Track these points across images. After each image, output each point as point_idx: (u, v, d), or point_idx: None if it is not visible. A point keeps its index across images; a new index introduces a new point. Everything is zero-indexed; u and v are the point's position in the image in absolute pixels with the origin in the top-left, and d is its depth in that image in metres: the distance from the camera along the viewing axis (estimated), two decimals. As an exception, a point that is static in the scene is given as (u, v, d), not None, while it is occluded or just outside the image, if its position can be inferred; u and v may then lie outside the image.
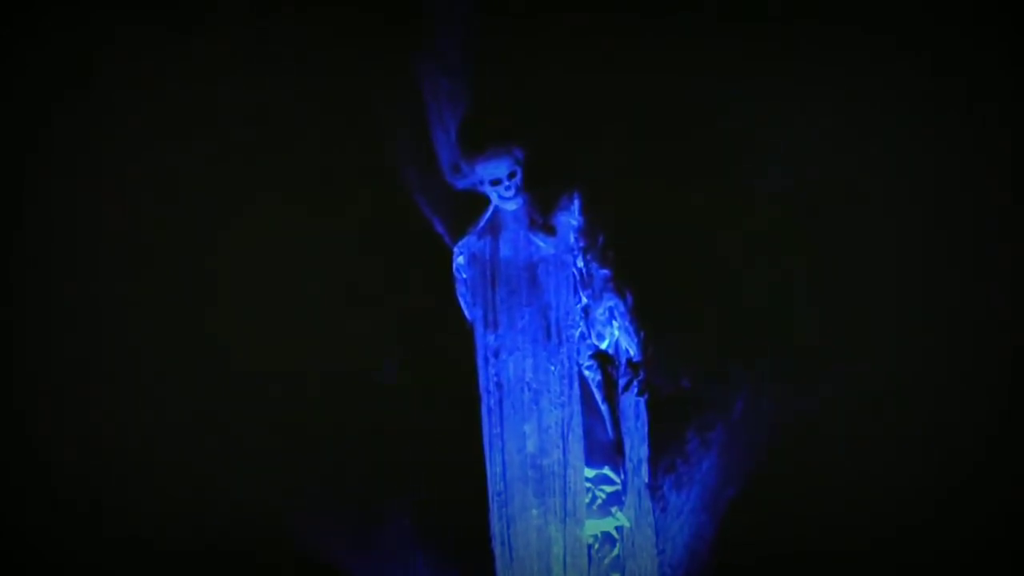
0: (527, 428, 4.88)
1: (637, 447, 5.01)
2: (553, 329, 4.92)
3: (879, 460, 5.11)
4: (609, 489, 4.99)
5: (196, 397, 5.10)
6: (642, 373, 4.90)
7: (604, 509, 4.98)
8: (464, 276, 5.10)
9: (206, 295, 5.20)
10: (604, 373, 4.96)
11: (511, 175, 4.94)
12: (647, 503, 4.95)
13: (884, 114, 5.11)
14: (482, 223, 5.04)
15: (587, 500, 4.94)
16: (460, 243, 5.09)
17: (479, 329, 5.00)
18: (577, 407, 4.93)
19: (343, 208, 5.20)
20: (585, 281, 4.96)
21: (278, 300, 5.20)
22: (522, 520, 4.83)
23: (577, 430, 4.91)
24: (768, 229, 5.15)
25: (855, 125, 5.14)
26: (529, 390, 4.90)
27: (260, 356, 5.14)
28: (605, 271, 4.94)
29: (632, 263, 4.91)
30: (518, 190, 4.96)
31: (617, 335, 5.02)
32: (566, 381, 4.91)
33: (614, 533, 4.98)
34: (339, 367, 5.23)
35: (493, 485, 4.92)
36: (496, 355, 4.94)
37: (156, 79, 5.04)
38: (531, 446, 4.87)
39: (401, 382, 5.28)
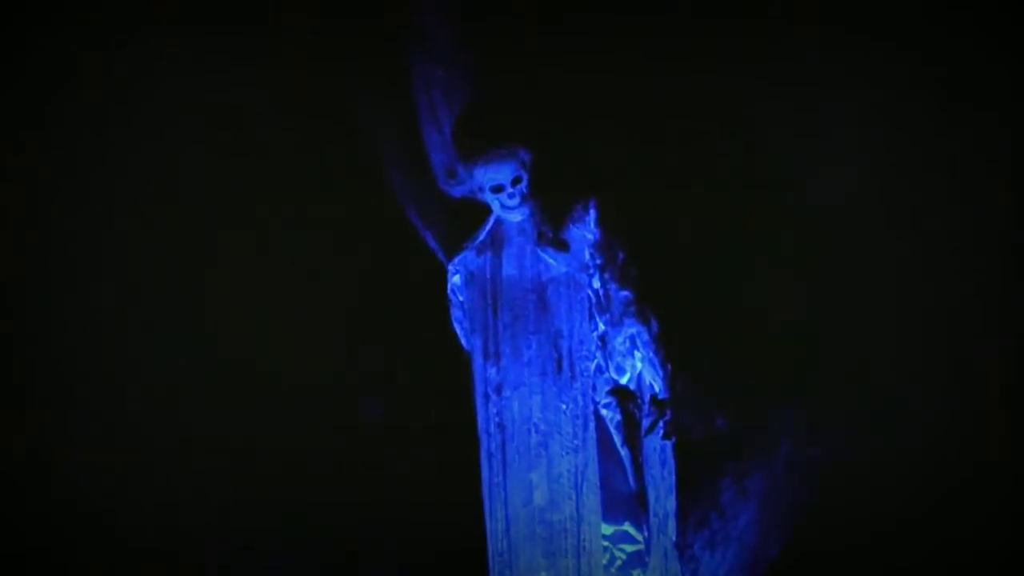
0: (534, 477, 4.66)
1: (663, 499, 4.79)
2: (565, 361, 4.68)
3: (952, 521, 4.90)
4: (630, 549, 4.76)
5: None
6: (669, 412, 4.62)
7: (624, 572, 4.76)
8: (460, 299, 4.84)
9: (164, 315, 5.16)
10: (624, 412, 4.72)
11: (516, 181, 4.67)
12: (675, 565, 4.76)
13: (930, 118, 4.98)
14: (482, 237, 4.79)
15: (604, 562, 4.72)
16: (456, 260, 4.83)
17: (478, 361, 4.76)
18: (593, 452, 4.68)
19: (316, 220, 5.07)
20: (602, 305, 4.70)
21: (237, 326, 5.09)
22: (528, 586, 4.64)
23: (593, 479, 4.67)
24: (820, 246, 4.96)
25: (901, 128, 5.02)
26: (536, 432, 4.66)
27: (213, 397, 5.06)
28: (626, 293, 4.68)
29: (658, 284, 4.69)
30: (524, 198, 4.71)
31: (640, 368, 4.75)
32: (580, 422, 4.68)
33: (636, 602, 4.76)
34: (310, 403, 5.08)
35: (494, 544, 4.69)
36: (498, 391, 4.71)
37: (133, 78, 5.05)
38: (539, 498, 4.65)
39: (384, 422, 5.14)
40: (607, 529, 4.73)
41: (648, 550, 4.76)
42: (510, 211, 4.74)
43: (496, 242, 4.77)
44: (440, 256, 4.89)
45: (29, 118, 5.01)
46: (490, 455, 4.70)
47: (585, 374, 4.70)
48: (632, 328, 4.69)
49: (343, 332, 5.08)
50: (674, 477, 4.78)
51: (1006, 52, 4.88)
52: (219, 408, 5.02)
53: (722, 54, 4.87)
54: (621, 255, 4.70)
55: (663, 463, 4.78)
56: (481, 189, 4.72)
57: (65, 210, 5.09)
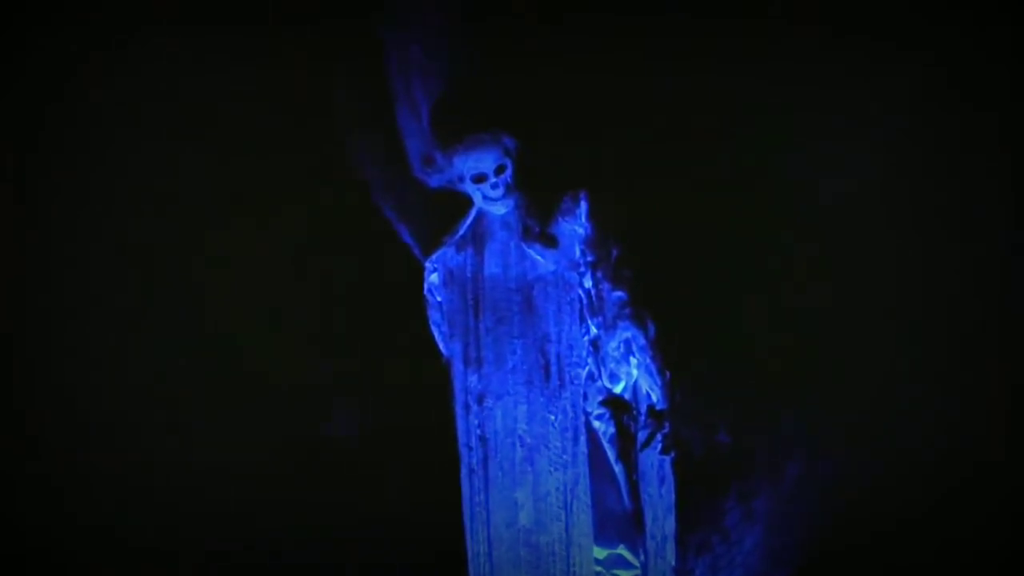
0: (519, 496, 4.58)
1: (661, 520, 4.74)
2: (553, 368, 4.61)
3: (972, 542, 4.88)
4: (625, 575, 4.70)
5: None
6: (667, 425, 4.58)
7: (619, 601, 4.77)
8: (438, 299, 4.75)
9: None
10: (619, 425, 4.64)
11: (499, 170, 4.58)
12: (675, 593, 4.81)
13: (931, 118, 5.08)
14: (462, 231, 4.70)
15: (597, 589, 4.70)
16: (433, 257, 4.74)
17: (458, 367, 4.68)
18: (584, 468, 4.61)
19: (282, 213, 5.06)
20: (594, 306, 4.64)
21: (198, 330, 5.09)
22: (513, 616, 4.66)
23: (583, 498, 4.61)
24: (831, 246, 4.98)
25: (904, 128, 5.10)
26: (522, 446, 4.58)
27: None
28: (620, 293, 4.61)
29: (655, 283, 4.63)
30: (508, 189, 4.62)
31: (636, 376, 4.68)
32: (569, 435, 4.60)
33: (632, 633, 4.82)
34: (276, 416, 5.06)
35: (476, 569, 4.63)
36: (479, 401, 4.63)
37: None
38: (524, 518, 4.57)
39: (354, 436, 5.09)
40: (600, 553, 4.69)
41: (645, 576, 4.76)
42: (493, 203, 4.65)
43: (478, 237, 4.69)
44: (416, 252, 4.81)
45: (27, 118, 5.07)
46: (471, 471, 4.61)
47: (575, 382, 4.63)
48: (627, 332, 4.62)
49: (304, 336, 5.08)
50: (673, 496, 4.73)
51: (1007, 52, 4.94)
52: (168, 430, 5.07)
53: (725, 42, 4.94)
54: (615, 252, 4.62)
55: (661, 480, 4.73)
56: (461, 179, 4.64)
57: (62, 209, 5.14)
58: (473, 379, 4.64)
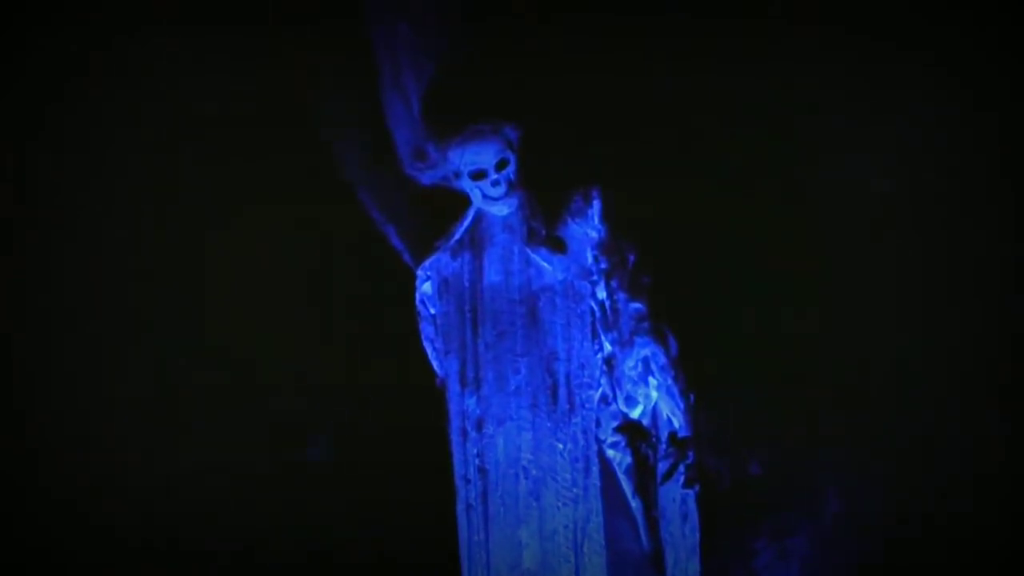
0: (523, 534, 4.40)
1: (684, 562, 4.56)
2: (562, 390, 4.43)
3: None
4: None
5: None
6: (691, 454, 4.43)
7: (636, 652, 4.67)
8: (431, 312, 4.56)
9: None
10: (636, 454, 4.47)
11: (501, 164, 4.37)
12: (699, 645, 4.71)
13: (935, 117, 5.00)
14: (458, 234, 4.51)
15: (611, 640, 4.61)
16: (426, 264, 4.55)
17: (453, 389, 4.49)
18: (596, 504, 4.42)
19: (255, 213, 4.92)
20: (609, 320, 4.45)
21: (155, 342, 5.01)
22: (517, 670, 4.61)
23: (596, 537, 4.42)
24: (877, 248, 4.85)
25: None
26: (527, 478, 4.40)
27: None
28: (638, 305, 4.43)
29: (678, 294, 4.49)
30: (511, 186, 4.40)
31: (655, 399, 4.49)
32: (580, 465, 4.42)
33: None
34: (247, 440, 4.95)
35: None
36: (479, 427, 4.45)
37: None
38: (529, 560, 4.40)
39: (338, 463, 4.96)
40: (615, 599, 4.59)
41: (665, 626, 4.67)
42: (494, 202, 4.44)
43: (476, 241, 4.52)
44: (406, 259, 4.66)
45: (26, 118, 5.08)
46: (469, 507, 4.44)
47: (587, 406, 4.44)
48: (646, 349, 4.44)
49: (282, 351, 4.97)
50: (697, 535, 4.54)
51: (1007, 52, 4.85)
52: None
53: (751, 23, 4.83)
54: (632, 258, 4.44)
55: (684, 518, 4.54)
56: (458, 175, 4.43)
57: (58, 210, 5.13)
58: (471, 402, 4.46)
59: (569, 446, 4.42)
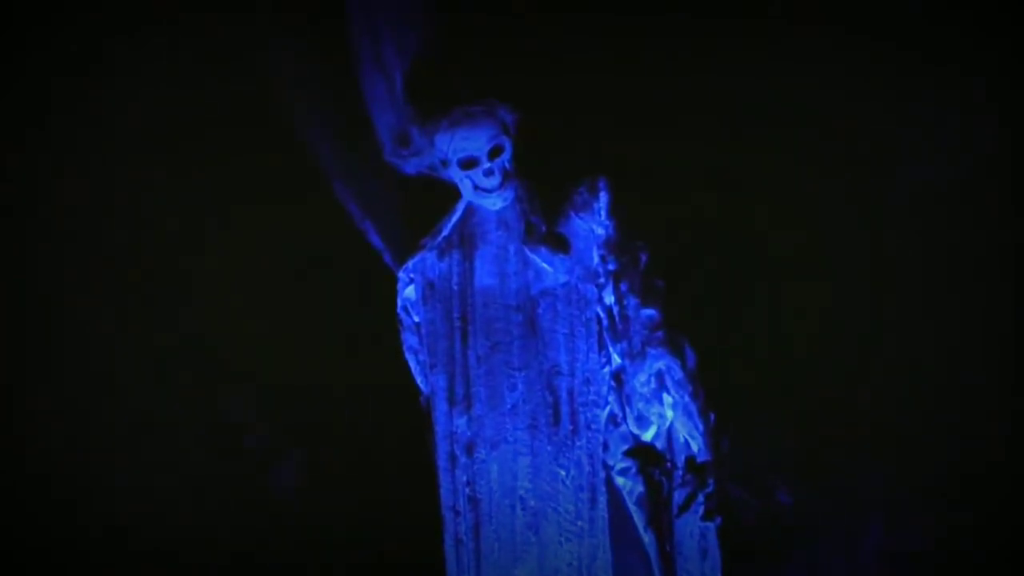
0: (520, 574, 4.18)
1: None
2: (564, 408, 4.20)
3: None
4: None
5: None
6: (711, 482, 4.16)
7: None
8: (415, 319, 4.35)
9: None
10: (649, 482, 4.23)
11: (495, 151, 4.15)
12: None
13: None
14: (446, 231, 4.29)
15: None
16: (409, 265, 4.33)
17: (440, 408, 4.25)
18: (604, 538, 4.20)
19: (216, 207, 4.79)
20: (618, 329, 4.24)
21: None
22: None
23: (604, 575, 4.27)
24: (915, 245, 4.68)
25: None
26: (524, 510, 4.17)
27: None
28: (650, 311, 4.20)
29: (696, 298, 4.41)
30: (506, 176, 4.18)
31: (670, 419, 4.25)
32: (585, 495, 4.18)
33: None
34: (208, 465, 4.82)
35: None
36: (469, 451, 4.22)
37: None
38: None
39: (305, 489, 4.84)
40: (624, 647, 4.50)
41: (682, 676, 4.57)
42: (486, 195, 4.21)
43: (466, 239, 4.30)
44: (387, 259, 4.53)
45: (23, 118, 5.02)
46: (458, 543, 4.19)
47: (593, 427, 4.21)
48: (660, 362, 4.20)
49: (248, 364, 4.84)
50: (719, 573, 4.29)
51: (1007, 52, 4.78)
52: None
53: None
54: (644, 258, 4.22)
55: (703, 554, 4.31)
56: (446, 163, 4.20)
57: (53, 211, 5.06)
58: (461, 423, 4.22)
59: (573, 473, 4.19)
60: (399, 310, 4.38)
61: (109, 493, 5.17)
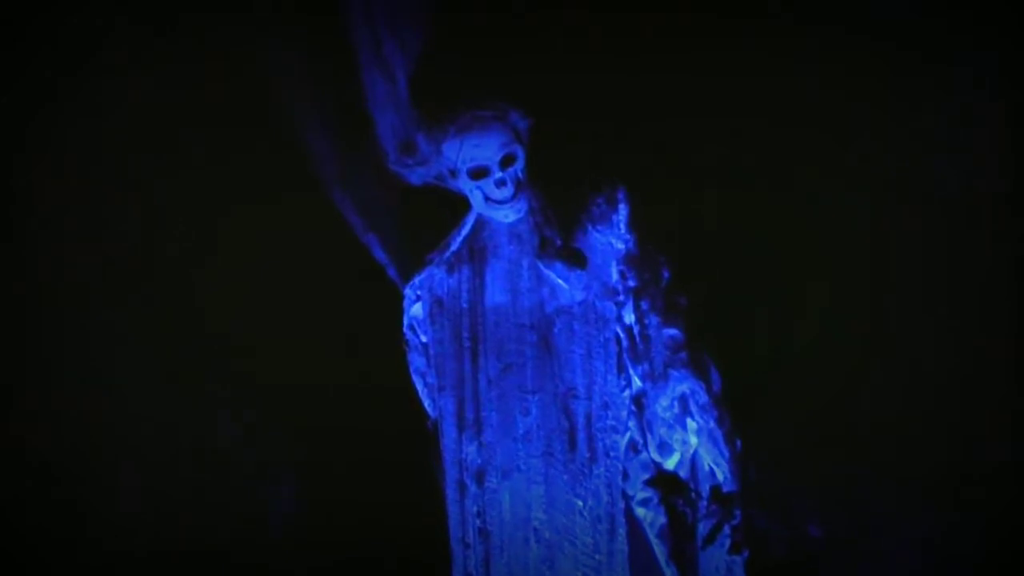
0: None
1: None
2: (581, 434, 4.06)
3: None
4: None
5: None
6: (738, 513, 4.08)
7: None
8: (422, 339, 4.22)
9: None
10: (672, 513, 4.11)
11: (507, 160, 3.99)
12: None
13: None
14: (455, 245, 4.16)
15: None
16: (416, 281, 4.19)
17: (449, 433, 4.12)
18: (623, 573, 4.10)
19: (206, 218, 4.62)
20: (638, 349, 4.11)
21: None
22: None
23: None
24: (957, 253, 4.52)
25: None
26: (538, 542, 4.05)
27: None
28: (673, 331, 4.08)
29: (722, 317, 4.22)
30: (519, 187, 4.04)
31: (694, 445, 4.13)
32: (604, 527, 4.05)
33: None
34: (202, 490, 4.67)
35: None
36: (479, 480, 4.09)
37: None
38: None
39: (306, 516, 4.65)
40: None
41: None
42: (498, 206, 4.07)
43: (477, 254, 4.17)
44: (391, 274, 4.36)
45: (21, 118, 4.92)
46: None
47: (612, 454, 4.08)
48: (683, 385, 4.09)
49: (243, 384, 4.67)
50: None
51: (1008, 52, 4.64)
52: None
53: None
54: (666, 274, 4.10)
55: None
56: (454, 172, 4.05)
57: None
58: (470, 449, 4.10)
59: (590, 503, 4.06)
60: (405, 329, 4.24)
61: (109, 493, 5.01)
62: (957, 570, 4.61)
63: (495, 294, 4.13)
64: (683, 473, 4.13)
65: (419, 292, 4.20)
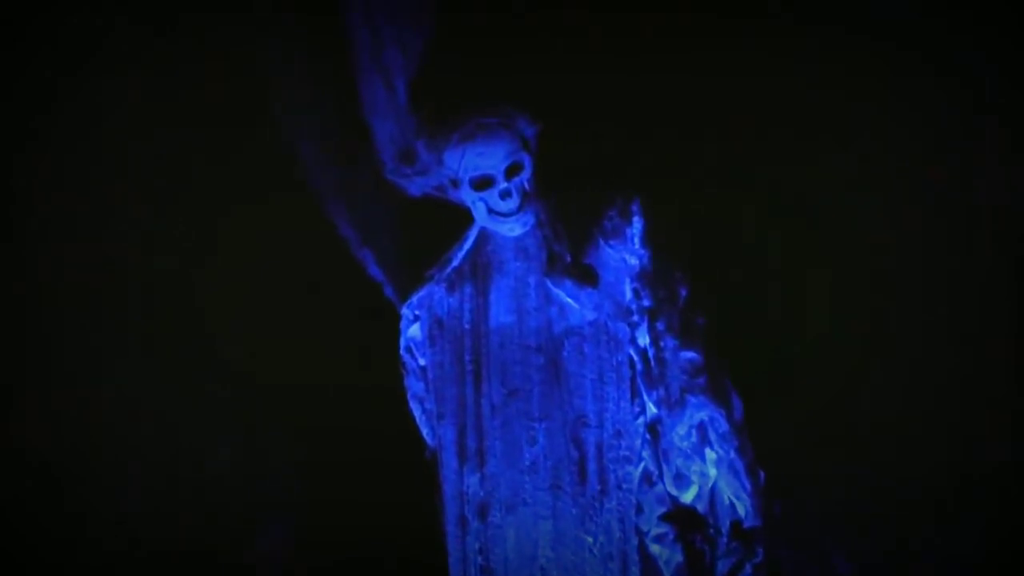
0: None
1: None
2: (591, 465, 3.90)
3: None
4: None
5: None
6: (761, 551, 3.89)
7: None
8: (421, 362, 4.05)
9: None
10: (689, 550, 3.93)
11: (512, 170, 3.82)
12: None
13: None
14: (456, 261, 4.00)
15: None
16: (414, 299, 4.04)
17: (449, 464, 3.97)
18: None
19: (206, 218, 4.51)
20: (654, 374, 3.91)
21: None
22: None
23: None
24: (957, 253, 4.40)
25: None
26: None
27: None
28: (691, 354, 3.87)
29: (744, 338, 4.02)
30: (526, 199, 3.87)
31: (713, 476, 3.95)
32: (616, 565, 3.90)
33: None
34: (202, 490, 4.56)
35: None
36: (482, 515, 3.93)
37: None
38: None
39: (304, 517, 4.50)
40: None
41: None
42: (503, 220, 3.89)
43: (480, 270, 4.01)
44: (388, 292, 4.20)
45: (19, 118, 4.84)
46: None
47: (625, 487, 3.90)
48: (702, 412, 3.89)
49: (243, 384, 4.54)
50: None
51: (1008, 52, 4.52)
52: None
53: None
54: (683, 292, 3.89)
55: None
56: (456, 183, 3.90)
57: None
58: (472, 481, 3.93)
59: (601, 539, 3.90)
60: (402, 351, 4.08)
61: (109, 493, 4.91)
62: (957, 570, 4.35)
63: (499, 314, 3.97)
64: (701, 507, 3.95)
65: (417, 311, 4.04)
